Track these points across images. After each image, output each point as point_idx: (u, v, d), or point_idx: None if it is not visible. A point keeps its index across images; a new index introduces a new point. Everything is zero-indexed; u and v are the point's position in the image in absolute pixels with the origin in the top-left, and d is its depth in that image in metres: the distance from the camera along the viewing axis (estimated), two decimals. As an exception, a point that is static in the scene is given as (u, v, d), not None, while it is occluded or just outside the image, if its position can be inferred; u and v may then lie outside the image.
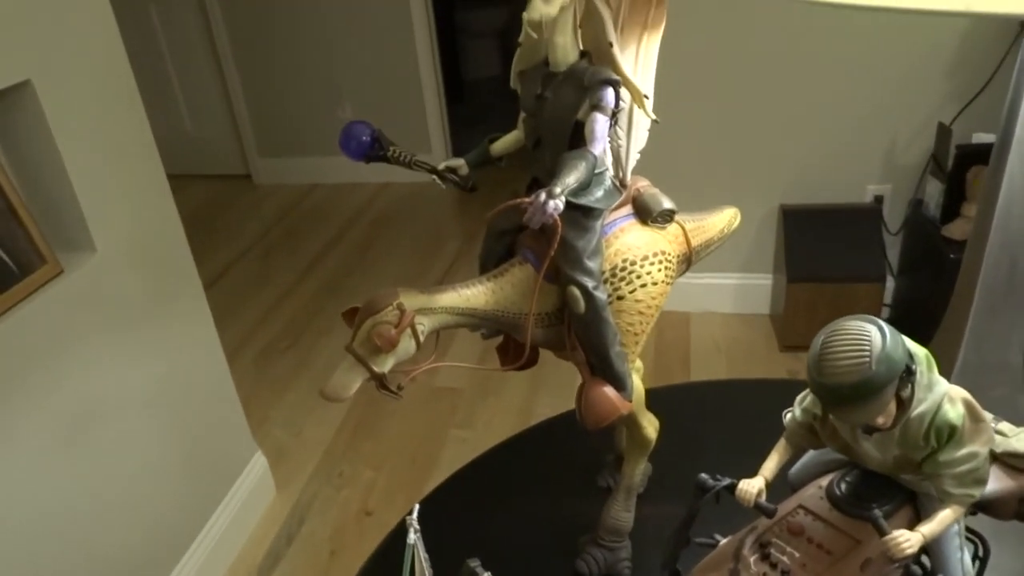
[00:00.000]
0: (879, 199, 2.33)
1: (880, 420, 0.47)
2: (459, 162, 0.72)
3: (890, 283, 2.37)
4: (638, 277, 0.66)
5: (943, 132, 2.09)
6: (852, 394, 0.45)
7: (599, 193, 0.64)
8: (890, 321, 1.82)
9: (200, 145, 3.99)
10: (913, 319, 2.27)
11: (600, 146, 0.61)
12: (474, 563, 0.61)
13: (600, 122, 0.61)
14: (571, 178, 0.58)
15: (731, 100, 2.28)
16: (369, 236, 3.40)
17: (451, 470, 0.99)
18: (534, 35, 0.61)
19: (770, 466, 0.54)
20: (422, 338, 0.63)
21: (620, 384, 0.66)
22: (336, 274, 3.09)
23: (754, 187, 2.39)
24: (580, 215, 0.63)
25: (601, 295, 0.63)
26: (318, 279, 3.07)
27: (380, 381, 0.62)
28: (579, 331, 0.65)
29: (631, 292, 0.66)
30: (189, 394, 1.71)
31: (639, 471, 0.78)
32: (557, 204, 0.56)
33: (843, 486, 0.55)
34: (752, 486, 0.52)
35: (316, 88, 3.75)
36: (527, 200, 0.57)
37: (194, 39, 3.74)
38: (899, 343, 0.46)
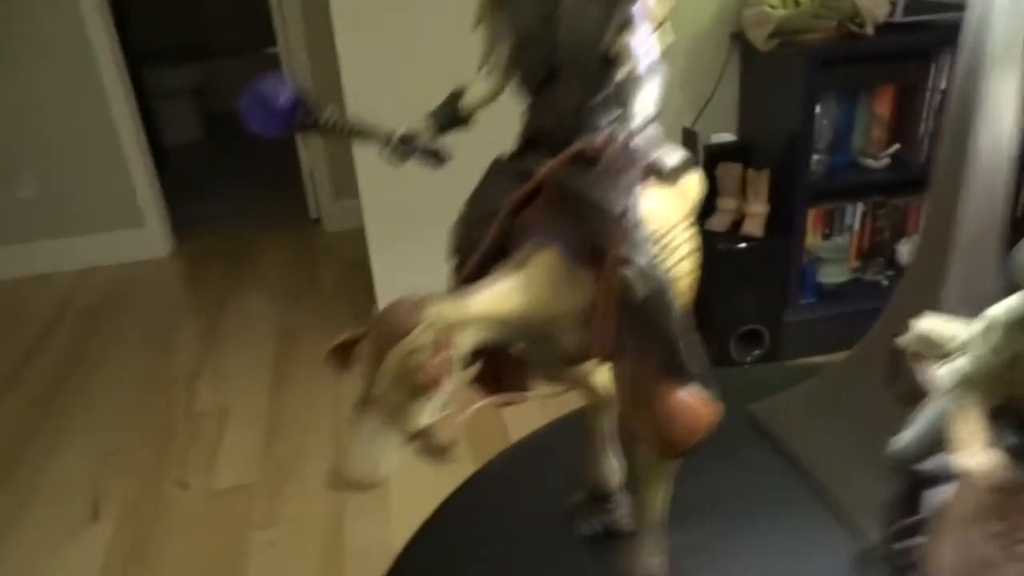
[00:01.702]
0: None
1: None
2: (419, 128, 0.52)
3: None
4: (675, 249, 0.51)
5: (689, 136, 2.23)
6: None
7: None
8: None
9: None
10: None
11: (655, 61, 0.46)
12: None
13: (645, 31, 0.46)
14: (651, 106, 0.43)
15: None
16: (81, 333, 2.83)
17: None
18: None
19: (979, 431, 0.42)
20: (458, 368, 0.43)
21: (700, 382, 0.51)
22: (47, 386, 2.50)
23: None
24: None
25: (661, 274, 0.48)
26: (22, 397, 2.46)
27: (426, 443, 0.41)
28: (635, 326, 0.49)
29: (670, 270, 0.51)
30: None
31: (664, 499, 0.62)
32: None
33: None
34: (986, 461, 0.40)
35: (-18, 165, 3.08)
36: (597, 143, 0.40)
37: None
38: None
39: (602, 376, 0.69)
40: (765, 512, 0.75)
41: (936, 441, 0.49)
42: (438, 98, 2.16)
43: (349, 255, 3.22)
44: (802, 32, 1.99)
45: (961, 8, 2.06)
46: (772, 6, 2.02)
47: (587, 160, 0.46)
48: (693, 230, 0.54)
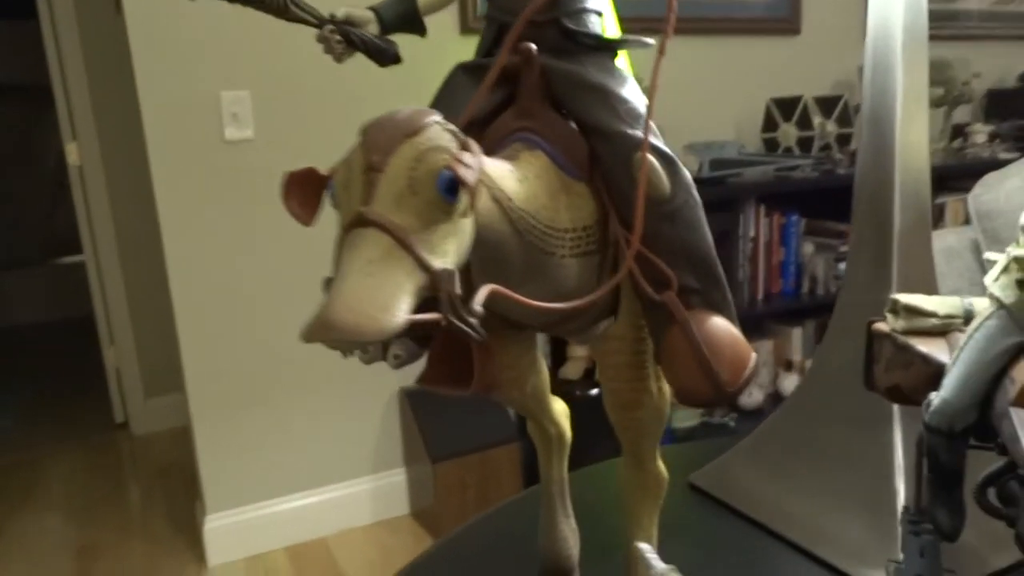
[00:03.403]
0: (486, 367, 2.36)
1: None
2: (366, 16, 0.42)
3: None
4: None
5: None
6: None
7: (598, 28, 0.42)
8: (527, 475, 1.75)
9: None
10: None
11: None
12: None
13: None
14: None
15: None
16: None
17: None
18: None
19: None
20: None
21: (733, 312, 0.41)
22: None
23: (368, 374, 2.21)
24: (607, 56, 0.41)
25: (684, 167, 0.40)
26: None
27: (450, 295, 0.28)
28: (661, 233, 0.39)
29: None
30: None
31: (656, 537, 0.50)
32: None
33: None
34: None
35: None
36: None
37: None
38: None
39: (558, 407, 0.58)
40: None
41: (983, 383, 0.43)
42: (270, 304, 2.04)
43: (162, 459, 2.85)
44: (627, 185, 2.13)
45: (754, 164, 2.30)
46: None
47: (567, 35, 0.39)
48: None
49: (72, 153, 2.86)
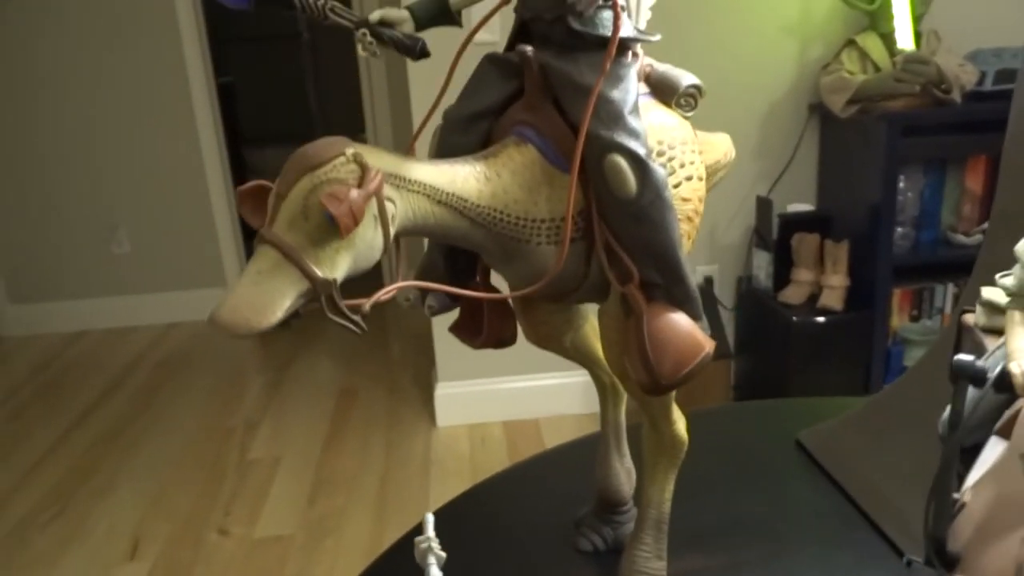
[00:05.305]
0: (709, 280, 2.34)
1: None
2: (401, 15, 0.48)
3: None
4: (681, 166, 0.46)
5: (763, 204, 2.16)
6: None
7: (609, 27, 0.44)
8: (737, 393, 1.71)
9: (-73, 298, 3.30)
10: (759, 388, 2.25)
11: None
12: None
13: None
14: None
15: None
16: (155, 381, 2.90)
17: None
18: None
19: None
20: (392, 230, 0.38)
21: (695, 308, 0.44)
22: (115, 425, 2.56)
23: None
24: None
25: (659, 168, 0.42)
26: (91, 433, 2.51)
27: (329, 298, 0.35)
28: (627, 230, 0.43)
29: (676, 185, 0.45)
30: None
31: (670, 491, 0.54)
32: None
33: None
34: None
35: (83, 218, 3.28)
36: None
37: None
38: None
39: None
40: (805, 538, 0.65)
41: (988, 409, 0.41)
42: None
43: (417, 326, 3.23)
44: (883, 98, 1.92)
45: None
46: (851, 72, 1.97)
47: (577, 38, 0.42)
48: (702, 164, 0.48)
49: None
